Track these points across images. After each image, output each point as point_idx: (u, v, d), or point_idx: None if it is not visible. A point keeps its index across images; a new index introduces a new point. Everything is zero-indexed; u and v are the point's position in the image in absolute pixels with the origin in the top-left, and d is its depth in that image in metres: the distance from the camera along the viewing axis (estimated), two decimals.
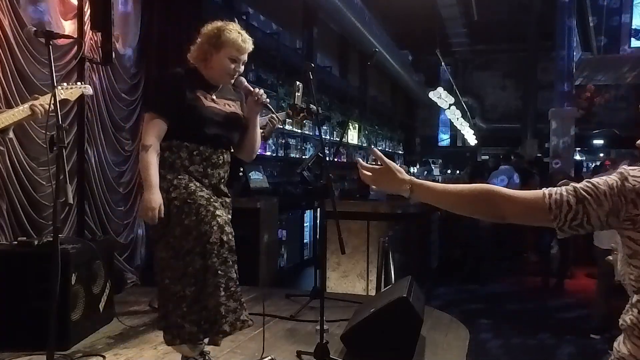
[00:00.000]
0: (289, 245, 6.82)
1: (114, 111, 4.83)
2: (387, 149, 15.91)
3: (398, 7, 11.46)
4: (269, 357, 2.96)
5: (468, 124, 18.74)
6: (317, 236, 5.53)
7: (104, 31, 4.34)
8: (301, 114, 3.30)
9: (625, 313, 1.42)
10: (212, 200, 2.57)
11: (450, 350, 3.40)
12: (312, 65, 3.27)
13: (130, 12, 5.03)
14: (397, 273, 4.37)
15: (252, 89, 2.74)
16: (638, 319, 1.36)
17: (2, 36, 3.57)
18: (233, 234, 2.59)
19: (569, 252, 7.03)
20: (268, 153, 8.18)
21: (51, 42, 2.19)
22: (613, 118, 15.97)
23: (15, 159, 3.70)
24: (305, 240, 7.52)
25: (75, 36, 4.26)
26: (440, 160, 18.95)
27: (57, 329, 2.37)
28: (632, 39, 11.85)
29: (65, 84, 2.89)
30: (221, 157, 2.68)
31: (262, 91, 2.74)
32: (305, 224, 7.54)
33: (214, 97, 2.67)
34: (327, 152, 8.66)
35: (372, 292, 4.87)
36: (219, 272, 2.48)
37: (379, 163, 1.60)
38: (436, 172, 15.87)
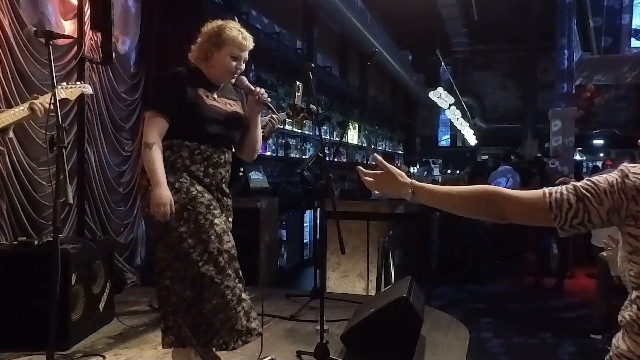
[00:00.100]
0: (289, 245, 6.81)
1: (114, 111, 4.83)
2: (387, 149, 15.92)
3: (398, 7, 11.46)
4: (269, 357, 2.96)
5: (468, 124, 18.74)
6: (317, 236, 5.53)
7: (104, 31, 4.34)
8: (301, 114, 3.30)
9: (624, 309, 1.43)
10: (211, 207, 2.54)
11: (450, 350, 3.40)
12: (312, 65, 3.27)
13: (130, 12, 5.03)
14: (397, 273, 4.37)
15: (253, 88, 2.73)
16: (637, 315, 1.37)
17: (2, 36, 3.57)
18: (232, 242, 2.57)
19: (569, 252, 7.03)
20: (268, 153, 8.18)
21: (51, 42, 2.19)
22: (613, 118, 15.96)
23: (15, 159, 3.70)
24: (305, 240, 7.52)
25: (75, 36, 4.26)
26: (440, 160, 18.96)
27: (57, 329, 2.37)
28: (632, 39, 11.86)
29: (65, 83, 2.89)
30: (222, 157, 2.67)
31: (263, 90, 2.73)
32: (305, 224, 7.54)
33: (215, 96, 2.66)
34: (327, 152, 8.66)
35: (372, 292, 4.87)
36: (216, 280, 2.46)
37: (379, 168, 1.63)
38: (436, 172, 15.88)
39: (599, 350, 4.35)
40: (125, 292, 4.67)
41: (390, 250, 4.42)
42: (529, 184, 7.52)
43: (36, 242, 3.28)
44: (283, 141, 8.89)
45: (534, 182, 7.73)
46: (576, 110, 8.83)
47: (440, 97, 14.69)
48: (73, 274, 3.22)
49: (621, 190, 1.35)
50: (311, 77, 2.95)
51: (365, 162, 13.13)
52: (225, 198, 2.72)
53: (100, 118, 4.67)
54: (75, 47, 4.24)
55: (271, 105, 2.84)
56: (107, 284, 3.66)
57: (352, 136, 12.70)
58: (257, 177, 5.79)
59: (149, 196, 2.49)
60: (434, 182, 11.43)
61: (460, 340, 3.60)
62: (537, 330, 4.96)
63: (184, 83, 2.58)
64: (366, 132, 13.88)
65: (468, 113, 18.75)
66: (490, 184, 7.43)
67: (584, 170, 12.78)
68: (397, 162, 15.24)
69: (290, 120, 6.36)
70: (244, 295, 2.54)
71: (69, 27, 4.29)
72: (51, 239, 2.23)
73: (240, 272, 2.59)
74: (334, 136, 10.93)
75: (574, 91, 9.10)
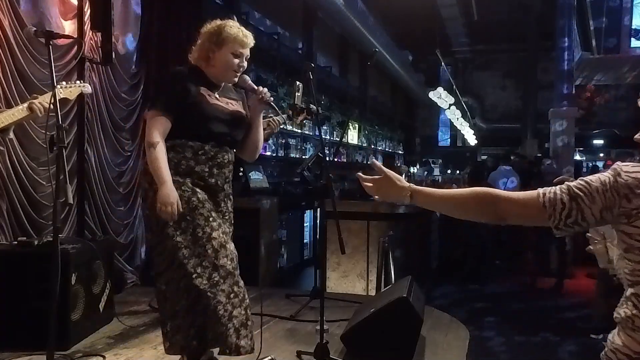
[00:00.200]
0: (289, 245, 6.82)
1: (114, 111, 4.83)
2: (387, 149, 15.91)
3: (398, 7, 11.46)
4: (269, 357, 2.96)
5: (468, 124, 18.73)
6: (317, 236, 5.53)
7: (104, 31, 4.34)
8: (301, 115, 3.29)
9: (620, 306, 1.46)
10: (210, 219, 2.51)
11: (450, 350, 3.41)
12: (312, 65, 3.27)
13: (131, 12, 5.03)
14: (397, 273, 4.37)
15: (255, 87, 2.71)
16: (632, 312, 1.40)
17: (2, 36, 3.57)
18: (231, 255, 2.53)
19: (568, 252, 7.03)
20: (268, 153, 8.18)
21: (51, 42, 2.19)
22: (613, 118, 15.95)
23: (15, 159, 3.70)
24: (305, 240, 7.52)
25: (75, 36, 4.26)
26: (440, 160, 18.96)
27: (57, 329, 2.37)
28: (632, 39, 11.85)
29: (64, 82, 2.89)
30: (226, 157, 2.64)
31: (266, 90, 2.71)
32: (305, 224, 7.54)
33: (217, 95, 2.64)
34: (327, 152, 8.66)
35: (372, 292, 4.87)
36: (208, 294, 2.43)
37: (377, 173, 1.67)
38: (436, 172, 15.88)
39: (599, 350, 4.34)
40: (125, 292, 4.67)
41: (390, 250, 4.42)
42: (531, 185, 7.51)
43: (36, 242, 3.28)
44: (283, 141, 8.89)
45: (535, 183, 7.72)
46: (576, 110, 8.82)
47: (440, 97, 14.69)
48: (73, 274, 3.22)
49: (613, 189, 1.38)
50: (311, 77, 2.94)
51: (365, 162, 13.13)
52: (227, 200, 2.68)
53: (100, 118, 4.67)
54: (75, 47, 4.24)
55: (274, 105, 2.82)
56: (107, 284, 3.66)
57: (352, 136, 12.70)
58: (257, 177, 5.79)
59: (150, 199, 2.46)
60: (434, 182, 11.44)
61: (460, 340, 3.60)
62: (537, 330, 4.96)
63: (187, 82, 2.55)
64: (366, 132, 13.88)
65: (468, 113, 18.75)
66: (492, 186, 7.44)
67: (584, 170, 12.78)
68: (397, 162, 15.23)
69: (290, 121, 6.36)
70: (235, 312, 2.49)
71: (69, 27, 4.30)
72: (51, 239, 2.23)
73: (238, 284, 2.53)
74: (334, 136, 10.92)
75: (574, 91, 9.09)
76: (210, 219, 2.52)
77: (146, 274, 4.84)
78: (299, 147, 9.47)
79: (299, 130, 9.32)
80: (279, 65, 8.40)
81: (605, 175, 1.40)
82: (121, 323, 3.65)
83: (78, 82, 3.00)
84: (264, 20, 9.01)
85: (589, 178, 1.42)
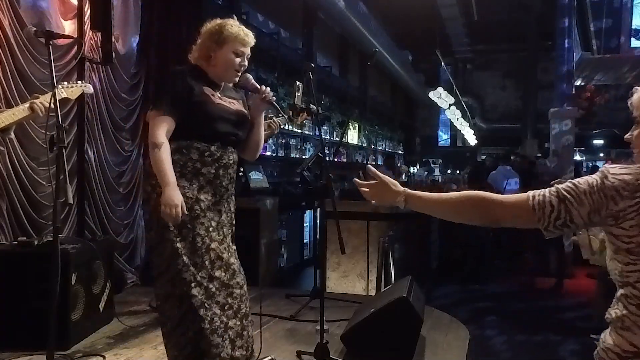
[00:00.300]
0: (289, 245, 6.81)
1: (114, 111, 4.83)
2: (387, 149, 15.92)
3: (398, 7, 11.45)
4: (269, 357, 2.96)
5: (468, 124, 18.74)
6: (317, 236, 5.53)
7: (104, 31, 4.34)
8: (301, 115, 3.29)
9: (611, 307, 1.50)
10: (210, 229, 2.47)
11: (450, 350, 3.41)
12: (312, 65, 3.26)
13: (130, 12, 5.03)
14: (397, 273, 4.37)
15: (258, 86, 2.68)
16: (622, 313, 1.44)
17: (2, 36, 3.57)
18: (223, 267, 2.48)
19: (567, 252, 7.02)
20: (268, 153, 8.18)
21: (51, 42, 2.19)
22: (613, 118, 15.93)
23: (15, 159, 3.70)
24: (305, 240, 7.52)
25: (75, 36, 4.26)
26: (440, 160, 18.97)
27: (57, 329, 2.38)
28: (632, 39, 11.83)
29: (65, 82, 2.89)
30: (231, 157, 2.61)
31: (268, 89, 2.68)
32: (305, 224, 7.54)
33: (219, 94, 2.60)
34: (327, 152, 8.66)
35: (372, 292, 4.87)
36: (205, 305, 2.38)
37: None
38: (437, 172, 15.88)
39: None
40: (125, 292, 4.68)
41: (390, 250, 4.42)
42: (530, 185, 7.50)
43: (36, 242, 3.28)
44: (283, 141, 8.89)
45: (535, 183, 7.72)
46: (576, 110, 8.81)
47: (440, 97, 14.69)
48: (73, 274, 3.22)
49: (601, 191, 1.41)
50: (311, 77, 2.94)
51: (365, 162, 13.13)
52: (230, 201, 2.64)
53: (100, 118, 4.67)
54: (75, 47, 4.25)
55: (276, 104, 2.80)
56: (107, 284, 3.66)
57: (352, 136, 12.70)
58: (257, 177, 5.79)
59: (153, 201, 2.41)
60: (434, 182, 11.43)
61: (460, 340, 3.60)
62: (537, 330, 4.96)
63: (190, 81, 2.50)
64: (366, 132, 13.88)
65: (468, 113, 18.76)
66: (492, 186, 7.44)
67: (584, 170, 12.78)
68: (398, 162, 15.23)
69: (290, 121, 6.36)
70: (231, 323, 2.46)
71: (69, 27, 4.30)
72: (51, 239, 2.23)
73: (232, 295, 2.49)
74: (334, 136, 10.93)
75: (574, 91, 9.09)
76: (210, 229, 2.48)
77: (146, 274, 4.84)
78: (299, 147, 9.47)
79: (299, 130, 9.32)
80: (279, 65, 8.40)
81: (593, 178, 1.43)
82: (121, 323, 3.65)
83: (80, 82, 3.00)
84: (264, 20, 9.01)
85: (577, 180, 1.45)
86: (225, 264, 2.51)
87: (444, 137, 22.07)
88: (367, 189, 1.71)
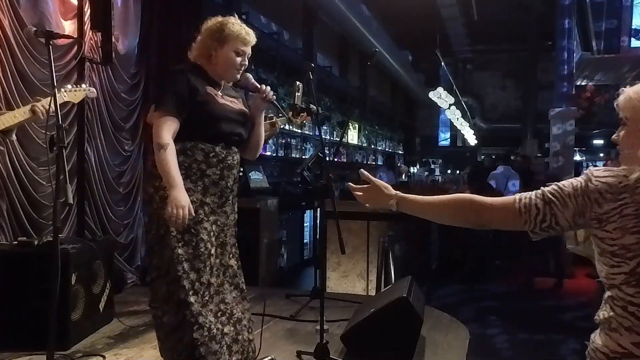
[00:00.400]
0: (289, 245, 6.81)
1: (114, 111, 4.83)
2: (387, 149, 15.92)
3: (398, 7, 11.45)
4: (269, 357, 2.96)
5: (468, 124, 18.75)
6: (317, 236, 5.53)
7: (104, 31, 4.34)
8: (301, 115, 3.29)
9: (600, 308, 1.54)
10: (211, 235, 2.45)
11: (450, 350, 3.40)
12: (312, 65, 3.25)
13: (130, 12, 5.03)
14: (397, 273, 4.37)
15: (259, 85, 2.66)
16: (609, 314, 1.48)
17: (2, 36, 3.57)
18: (216, 273, 2.45)
19: (567, 252, 7.01)
20: (268, 153, 8.18)
21: (51, 42, 2.19)
22: (613, 118, 15.85)
23: (15, 159, 3.70)
24: (305, 240, 7.52)
25: (75, 36, 4.26)
26: (440, 160, 18.98)
27: (57, 329, 2.37)
28: (632, 39, 11.82)
29: (69, 86, 2.89)
30: (235, 158, 2.59)
31: (269, 88, 2.66)
32: (305, 224, 7.54)
33: (220, 93, 2.57)
34: (327, 152, 8.66)
35: (372, 292, 4.87)
36: (203, 312, 2.35)
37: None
38: (437, 172, 15.88)
39: None
40: (125, 292, 4.67)
41: (390, 250, 4.42)
42: (531, 185, 7.49)
43: (36, 242, 3.28)
44: (283, 141, 8.89)
45: (535, 183, 7.72)
46: (576, 110, 8.81)
47: (440, 97, 14.69)
48: (73, 274, 3.22)
49: (585, 194, 1.42)
50: (311, 77, 2.94)
51: (365, 162, 13.14)
52: (234, 202, 2.64)
53: (100, 118, 4.67)
54: (75, 47, 4.24)
55: (277, 104, 2.79)
56: (107, 284, 3.66)
57: (352, 136, 12.70)
58: (257, 177, 5.79)
59: (156, 204, 2.38)
60: (434, 182, 11.42)
61: (460, 340, 3.60)
62: (536, 330, 4.96)
63: (193, 81, 2.46)
64: (366, 132, 13.88)
65: (468, 113, 18.76)
66: (492, 185, 7.44)
67: (584, 170, 12.77)
68: (398, 162, 15.24)
69: (290, 121, 6.36)
70: (226, 329, 2.45)
71: (69, 27, 4.29)
72: (51, 239, 2.22)
73: (225, 301, 2.48)
74: (334, 136, 10.93)
75: (574, 91, 9.09)
76: (211, 234, 2.46)
77: (146, 274, 4.83)
78: (299, 147, 9.47)
79: (299, 130, 9.32)
80: (279, 65, 8.40)
81: (578, 181, 1.45)
82: (121, 323, 3.65)
83: (84, 85, 3.01)
84: (264, 20, 9.01)
85: (562, 183, 1.47)
86: (224, 267, 2.51)
87: (444, 137, 22.07)
88: (361, 193, 1.75)
